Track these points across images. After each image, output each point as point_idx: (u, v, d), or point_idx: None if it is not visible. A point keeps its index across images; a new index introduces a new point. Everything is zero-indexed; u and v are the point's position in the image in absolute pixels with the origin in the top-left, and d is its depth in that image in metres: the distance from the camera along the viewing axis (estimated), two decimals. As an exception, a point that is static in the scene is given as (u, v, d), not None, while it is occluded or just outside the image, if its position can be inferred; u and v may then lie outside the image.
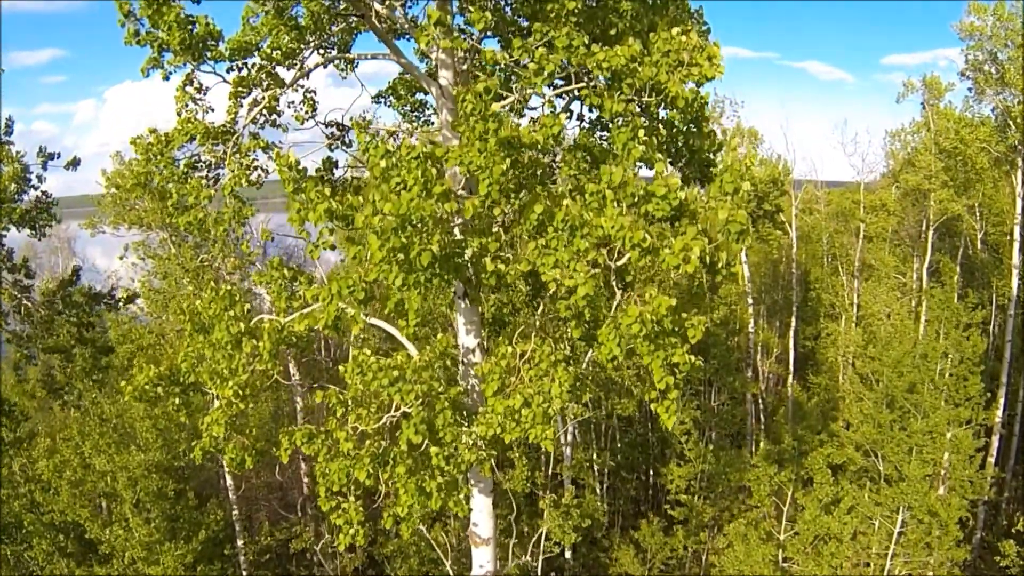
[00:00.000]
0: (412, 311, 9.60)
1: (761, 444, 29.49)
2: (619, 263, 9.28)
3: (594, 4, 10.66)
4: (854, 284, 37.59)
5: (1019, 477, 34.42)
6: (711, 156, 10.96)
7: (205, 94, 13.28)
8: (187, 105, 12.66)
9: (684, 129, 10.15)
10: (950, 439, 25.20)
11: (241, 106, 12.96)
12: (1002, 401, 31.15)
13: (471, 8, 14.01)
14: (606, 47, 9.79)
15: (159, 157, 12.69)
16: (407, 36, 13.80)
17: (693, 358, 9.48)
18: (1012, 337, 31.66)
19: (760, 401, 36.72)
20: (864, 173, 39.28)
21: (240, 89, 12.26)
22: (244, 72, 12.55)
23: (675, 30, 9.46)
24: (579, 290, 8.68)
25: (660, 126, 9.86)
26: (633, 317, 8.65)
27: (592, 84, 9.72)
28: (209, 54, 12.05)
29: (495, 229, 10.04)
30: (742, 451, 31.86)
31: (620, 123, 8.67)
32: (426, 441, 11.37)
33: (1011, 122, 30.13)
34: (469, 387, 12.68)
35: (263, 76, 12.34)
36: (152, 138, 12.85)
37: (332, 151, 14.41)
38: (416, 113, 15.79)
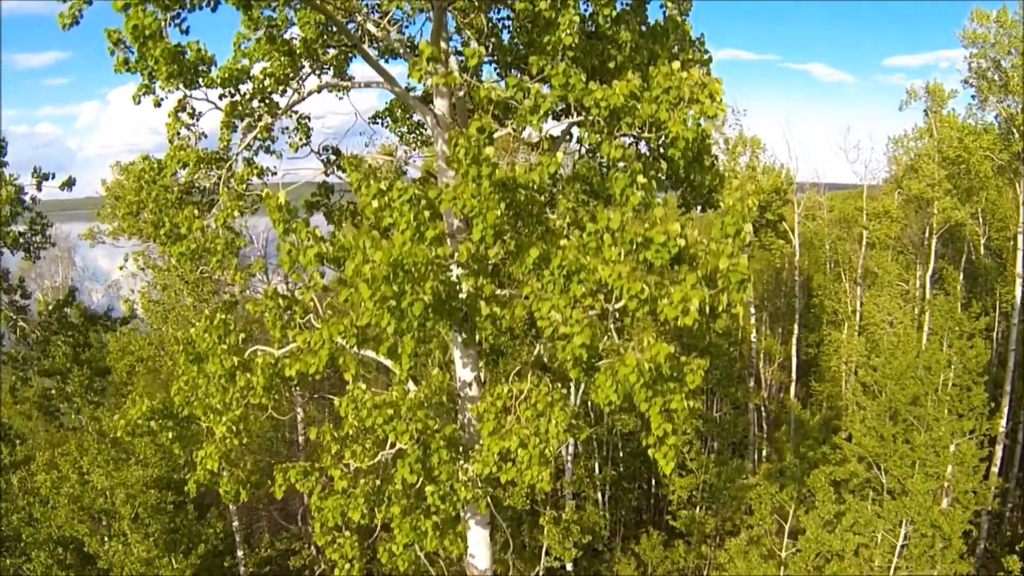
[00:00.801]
0: (406, 355, 9.41)
1: (763, 464, 29.25)
2: (617, 306, 9.08)
3: (592, 35, 10.45)
4: (857, 291, 37.37)
5: (1022, 486, 34.18)
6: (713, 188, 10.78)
7: (198, 120, 13.12)
8: (179, 132, 12.48)
9: (684, 164, 9.93)
10: (953, 452, 25.01)
11: (235, 131, 12.78)
12: (1006, 410, 30.93)
13: (468, 30, 13.89)
14: (604, 83, 9.60)
15: (152, 185, 12.52)
16: (403, 57, 13.63)
17: (692, 403, 9.30)
18: (1016, 345, 31.43)
19: (763, 409, 36.57)
20: (867, 179, 39.09)
21: (232, 118, 12.05)
22: (237, 98, 12.37)
23: (675, 64, 9.26)
24: (575, 339, 8.49)
25: (661, 160, 9.66)
26: (631, 367, 8.47)
27: (590, 119, 9.52)
28: (201, 81, 11.84)
29: (490, 270, 9.83)
30: (744, 462, 31.70)
31: (618, 168, 8.45)
32: (421, 479, 11.21)
33: (1015, 130, 29.87)
34: (465, 421, 12.51)
35: (256, 102, 12.14)
36: (144, 165, 12.70)
37: (328, 176, 14.26)
38: (414, 134, 15.60)
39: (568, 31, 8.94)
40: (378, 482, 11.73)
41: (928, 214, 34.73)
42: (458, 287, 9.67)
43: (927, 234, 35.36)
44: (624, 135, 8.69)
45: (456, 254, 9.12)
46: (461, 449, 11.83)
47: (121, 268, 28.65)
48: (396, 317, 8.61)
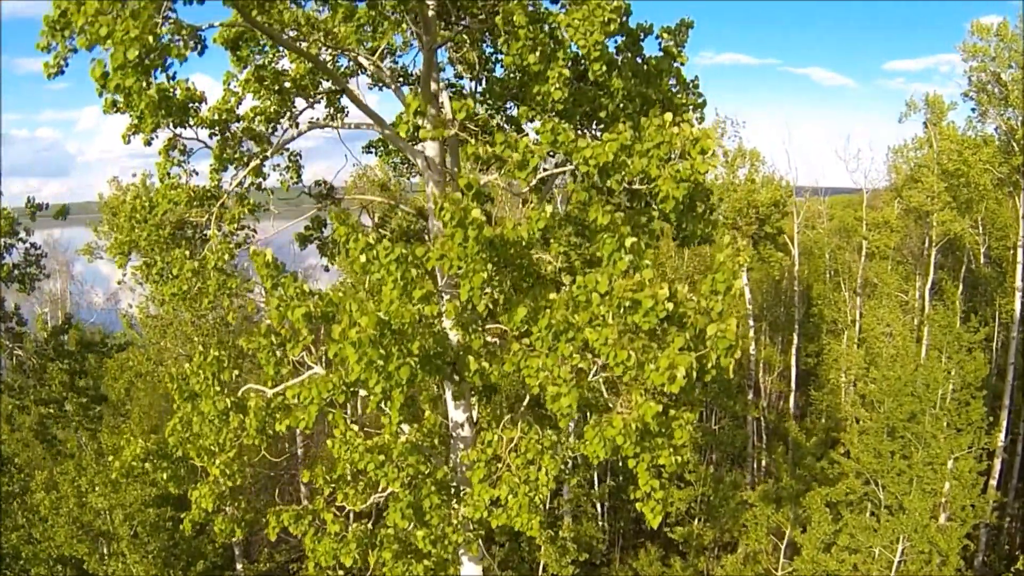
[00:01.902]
0: (395, 410, 9.39)
1: (760, 485, 29.20)
2: (604, 361, 9.05)
3: (583, 79, 10.38)
4: (856, 301, 37.30)
5: (1022, 498, 34.13)
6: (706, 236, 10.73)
7: (189, 157, 13.08)
8: (170, 172, 12.43)
9: (676, 215, 9.89)
10: (951, 469, 24.98)
11: (225, 170, 12.74)
12: (1004, 424, 30.87)
13: (460, 64, 13.83)
14: (594, 137, 9.56)
15: (143, 224, 12.49)
16: (395, 92, 13.59)
17: (680, 458, 9.29)
18: (1015, 359, 31.38)
19: (762, 419, 36.53)
20: (867, 187, 39.01)
21: (223, 161, 12.01)
22: (228, 135, 12.33)
23: (667, 116, 9.20)
24: (563, 400, 8.47)
25: (652, 208, 9.63)
26: (618, 429, 8.45)
27: (579, 174, 9.49)
28: (191, 120, 11.80)
29: (479, 321, 9.80)
30: (743, 473, 31.68)
31: (606, 230, 8.40)
32: (413, 523, 11.21)
33: (1015, 143, 29.77)
34: (457, 460, 12.49)
35: (246, 144, 12.10)
36: (135, 203, 12.66)
37: (320, 210, 14.23)
38: (407, 164, 15.55)
39: (557, 84, 8.89)
40: (370, 525, 11.77)
41: (928, 224, 34.65)
42: (447, 341, 9.64)
43: (927, 245, 35.28)
44: (611, 211, 8.57)
45: (444, 311, 9.08)
46: (453, 490, 11.83)
47: (120, 283, 28.65)
48: (384, 378, 8.59)
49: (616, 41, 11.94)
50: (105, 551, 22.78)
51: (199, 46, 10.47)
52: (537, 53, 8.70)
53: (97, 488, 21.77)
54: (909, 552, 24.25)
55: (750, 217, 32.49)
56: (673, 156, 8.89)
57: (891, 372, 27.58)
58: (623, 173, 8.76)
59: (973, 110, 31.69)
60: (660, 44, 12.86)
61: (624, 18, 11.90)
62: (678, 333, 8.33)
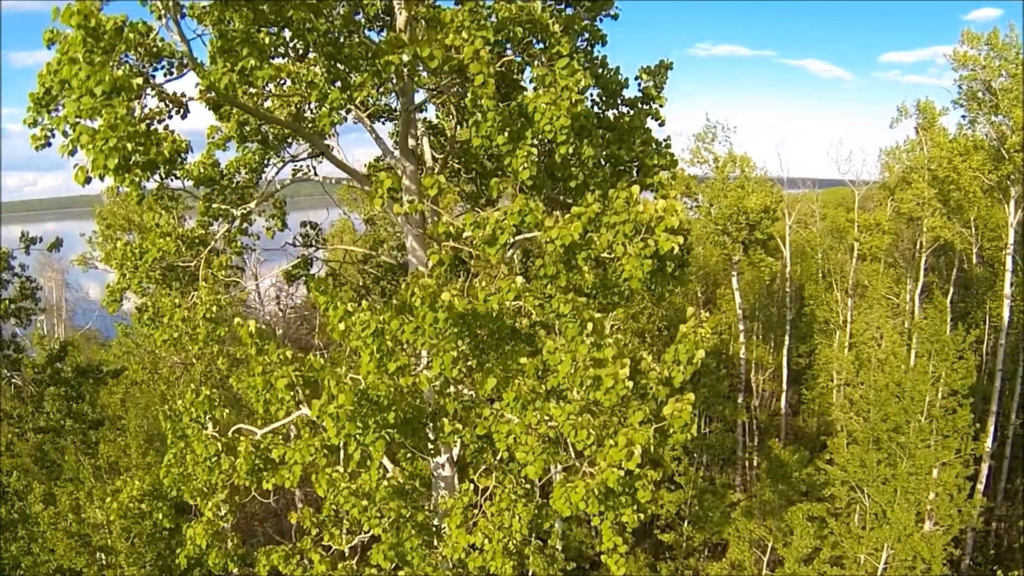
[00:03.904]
0: (375, 468, 9.83)
1: (741, 502, 29.64)
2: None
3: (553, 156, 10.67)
4: (848, 302, 37.65)
5: (1011, 499, 34.61)
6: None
7: (177, 201, 13.45)
8: (158, 223, 12.78)
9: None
10: (936, 478, 25.41)
11: (213, 222, 13.07)
12: (992, 429, 31.27)
13: (440, 110, 14.12)
14: (565, 205, 9.90)
15: (134, 272, 12.86)
16: (382, 120, 13.92)
17: (643, 515, 9.71)
18: (1003, 365, 31.75)
19: (754, 418, 36.99)
20: (859, 188, 39.20)
21: (208, 217, 12.38)
22: (213, 190, 12.67)
23: (635, 189, 9.50)
24: (529, 468, 8.88)
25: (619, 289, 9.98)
26: (581, 495, 8.86)
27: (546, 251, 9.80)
28: (177, 173, 12.13)
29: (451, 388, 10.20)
30: (733, 474, 32.13)
31: (568, 316, 8.76)
32: (395, 564, 11.69)
33: (1004, 151, 29.98)
34: (439, 499, 12.94)
35: (230, 201, 12.45)
36: (126, 251, 13.02)
37: (307, 249, 14.62)
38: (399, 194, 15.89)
39: (525, 164, 9.22)
40: (354, 564, 12.25)
41: (919, 224, 34.91)
42: (424, 406, 10.05)
43: (918, 247, 35.57)
44: (572, 299, 8.91)
45: (418, 381, 9.47)
46: (434, 529, 12.28)
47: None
48: (362, 445, 9.03)
49: (592, 94, 12.31)
50: (104, 562, 23.29)
51: (182, 110, 10.87)
52: (506, 134, 9.03)
53: (95, 501, 22.25)
54: (892, 561, 24.74)
55: (740, 223, 32.79)
56: (639, 233, 9.18)
57: (879, 378, 27.97)
58: (589, 251, 9.10)
59: (963, 116, 31.89)
60: (640, 85, 13.19)
61: (600, 69, 12.28)
62: (639, 406, 8.73)
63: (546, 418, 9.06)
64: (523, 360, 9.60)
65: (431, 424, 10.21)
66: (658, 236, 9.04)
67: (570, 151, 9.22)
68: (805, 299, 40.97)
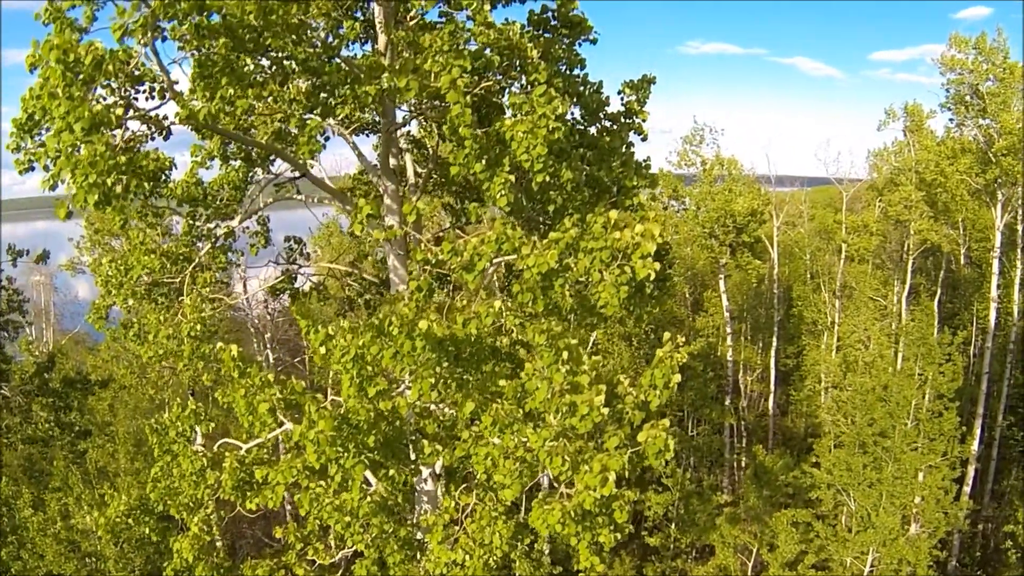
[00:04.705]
0: (356, 487, 9.95)
1: (727, 509, 29.79)
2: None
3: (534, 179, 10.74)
4: (836, 304, 37.84)
5: (998, 500, 34.85)
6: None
7: (162, 217, 13.52)
8: (142, 240, 12.85)
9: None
10: (922, 482, 25.62)
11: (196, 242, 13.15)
12: (978, 432, 31.51)
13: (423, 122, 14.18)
14: (544, 227, 10.00)
15: (120, 289, 12.94)
16: (365, 133, 13.99)
17: (619, 535, 9.84)
18: (989, 367, 31.98)
19: (742, 420, 37.17)
20: (846, 184, 39.42)
21: (191, 237, 12.46)
22: (197, 210, 12.76)
23: (613, 214, 9.60)
24: (505, 492, 9.01)
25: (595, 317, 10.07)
26: (557, 517, 8.99)
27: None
28: (161, 191, 12.21)
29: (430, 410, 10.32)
30: (722, 474, 32.28)
31: (543, 344, 8.87)
32: (378, 578, 11.83)
33: (991, 155, 30.16)
34: (422, 512, 13.06)
35: (213, 223, 12.55)
36: (111, 268, 13.10)
37: (292, 264, 14.70)
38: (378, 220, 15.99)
39: (502, 191, 9.31)
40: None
41: (907, 230, 35.10)
42: (404, 428, 10.16)
43: (905, 250, 35.76)
44: (547, 327, 9.02)
45: (397, 405, 9.58)
46: (417, 544, 12.41)
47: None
48: (342, 468, 9.17)
49: (573, 112, 12.38)
50: (93, 567, 23.36)
51: (164, 132, 10.93)
52: (483, 162, 9.12)
53: (84, 507, 22.32)
54: (878, 564, 24.98)
55: (727, 226, 32.92)
56: (616, 259, 9.27)
57: (865, 381, 28.17)
58: (566, 277, 9.19)
59: (951, 119, 32.07)
60: (623, 99, 13.27)
61: (582, 87, 12.35)
62: (615, 431, 8.86)
63: (523, 441, 9.18)
64: (502, 382, 9.71)
65: (411, 445, 10.32)
66: (634, 263, 9.14)
67: (547, 178, 9.31)
68: (793, 300, 41.14)
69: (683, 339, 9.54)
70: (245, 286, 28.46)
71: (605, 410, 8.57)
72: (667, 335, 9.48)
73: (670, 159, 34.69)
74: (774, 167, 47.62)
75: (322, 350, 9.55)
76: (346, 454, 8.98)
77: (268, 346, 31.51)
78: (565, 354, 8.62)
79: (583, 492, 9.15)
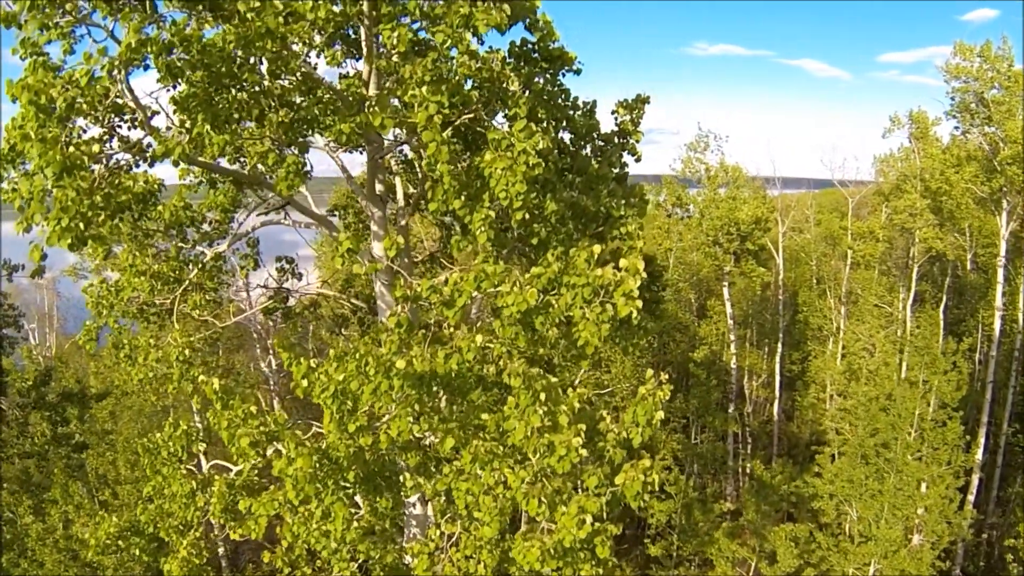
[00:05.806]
0: (339, 520, 9.92)
1: (723, 524, 29.72)
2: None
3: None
4: (841, 310, 37.63)
5: (1003, 507, 34.59)
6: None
7: (152, 238, 13.50)
8: (132, 263, 12.83)
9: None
10: (924, 493, 25.46)
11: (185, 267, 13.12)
12: (983, 440, 31.28)
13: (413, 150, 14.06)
14: (528, 260, 9.92)
15: (110, 310, 12.94)
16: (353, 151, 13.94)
17: (604, 568, 9.78)
18: (994, 376, 31.74)
19: (746, 425, 37.01)
20: (851, 188, 39.20)
21: (179, 262, 12.44)
22: (186, 234, 12.74)
23: (596, 248, 9.51)
24: (484, 529, 8.97)
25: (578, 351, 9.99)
26: (536, 555, 8.94)
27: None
28: (150, 215, 12.19)
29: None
30: (725, 482, 32.17)
31: (519, 387, 8.79)
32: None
33: (996, 163, 29.90)
34: (410, 536, 13.03)
35: (201, 247, 12.52)
36: (102, 289, 13.10)
37: (282, 284, 14.70)
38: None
39: (482, 228, 9.24)
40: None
41: (912, 237, 34.88)
42: (385, 461, 10.13)
43: (911, 256, 35.53)
44: (524, 369, 8.95)
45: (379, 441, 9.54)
46: (404, 569, 12.38)
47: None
48: (323, 503, 9.15)
49: (561, 138, 12.29)
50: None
51: (149, 161, 10.91)
52: (462, 198, 9.05)
53: (83, 516, 22.41)
54: (879, 575, 24.84)
55: (731, 234, 32.78)
56: (598, 295, 9.18)
57: (869, 390, 28.01)
58: (547, 316, 9.13)
59: (957, 127, 31.83)
60: (616, 120, 13.17)
61: (571, 111, 12.26)
62: (594, 471, 8.80)
63: (503, 479, 9.13)
64: (484, 416, 9.67)
65: (395, 476, 10.29)
66: (616, 300, 9.07)
67: (526, 216, 9.24)
68: (799, 306, 40.94)
69: (666, 376, 9.45)
70: (248, 291, 28.47)
71: (583, 451, 8.51)
72: (649, 372, 9.40)
73: (674, 167, 34.57)
74: (780, 170, 47.38)
75: (304, 383, 9.52)
76: (325, 490, 8.96)
77: (271, 352, 31.50)
78: (543, 395, 8.55)
79: (562, 529, 9.12)
